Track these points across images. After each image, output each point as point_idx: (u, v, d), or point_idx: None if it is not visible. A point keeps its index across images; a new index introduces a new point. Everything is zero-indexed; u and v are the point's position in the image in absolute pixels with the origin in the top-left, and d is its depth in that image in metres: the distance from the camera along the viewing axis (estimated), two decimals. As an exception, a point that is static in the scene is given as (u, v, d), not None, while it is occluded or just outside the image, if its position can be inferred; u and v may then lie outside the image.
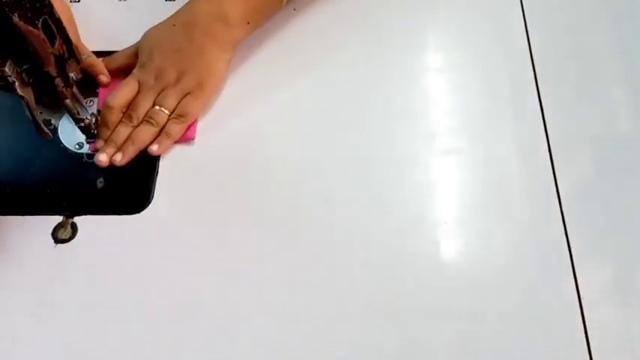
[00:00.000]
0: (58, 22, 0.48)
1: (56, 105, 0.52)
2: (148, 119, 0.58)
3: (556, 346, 0.48)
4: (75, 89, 0.52)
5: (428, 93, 0.61)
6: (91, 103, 0.61)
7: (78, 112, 0.54)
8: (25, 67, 0.46)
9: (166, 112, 0.58)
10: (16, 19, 0.43)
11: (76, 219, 0.55)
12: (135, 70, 0.60)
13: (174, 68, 0.58)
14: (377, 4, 0.66)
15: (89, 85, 0.62)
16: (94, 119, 0.58)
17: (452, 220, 0.54)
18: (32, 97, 0.48)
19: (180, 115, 0.58)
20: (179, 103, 0.58)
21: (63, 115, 0.60)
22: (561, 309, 0.49)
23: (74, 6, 0.68)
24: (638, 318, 0.49)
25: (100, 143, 0.58)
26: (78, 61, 0.52)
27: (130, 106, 0.58)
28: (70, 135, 0.59)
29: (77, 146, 0.59)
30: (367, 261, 0.52)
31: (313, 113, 0.60)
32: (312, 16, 0.66)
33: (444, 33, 0.65)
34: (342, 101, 0.61)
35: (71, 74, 0.51)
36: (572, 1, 0.66)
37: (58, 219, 0.55)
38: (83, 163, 0.58)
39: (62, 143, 0.59)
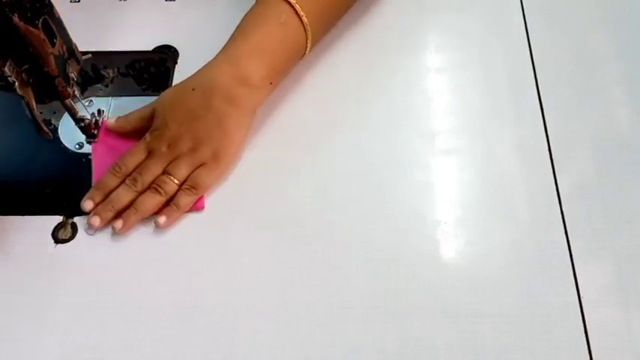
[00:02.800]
0: (58, 22, 0.48)
1: (56, 105, 0.52)
2: (155, 187, 0.54)
3: (556, 346, 0.48)
4: (75, 89, 0.52)
5: (428, 93, 0.61)
6: (91, 103, 0.61)
7: (78, 112, 0.54)
8: (25, 67, 0.46)
9: (176, 182, 0.54)
10: (16, 19, 0.43)
11: (76, 219, 0.55)
12: (147, 135, 0.56)
13: (190, 137, 0.54)
14: (377, 4, 0.66)
15: (89, 85, 0.62)
16: (94, 119, 0.58)
17: (452, 220, 0.54)
18: (32, 97, 0.48)
19: (192, 187, 0.54)
20: (192, 173, 0.54)
21: (63, 115, 0.60)
22: (561, 309, 0.49)
23: (74, 6, 0.68)
24: (638, 318, 0.49)
25: (88, 204, 0.54)
26: (78, 61, 0.52)
27: (137, 169, 0.55)
28: (70, 135, 0.59)
29: (77, 146, 0.59)
30: (367, 261, 0.52)
31: (313, 113, 0.60)
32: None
33: (444, 33, 0.65)
34: (342, 101, 0.61)
35: (71, 74, 0.51)
36: (572, 1, 0.66)
37: (58, 219, 0.55)
38: (83, 163, 0.58)
39: (62, 143, 0.59)
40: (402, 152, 0.57)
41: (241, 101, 0.55)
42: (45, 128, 0.50)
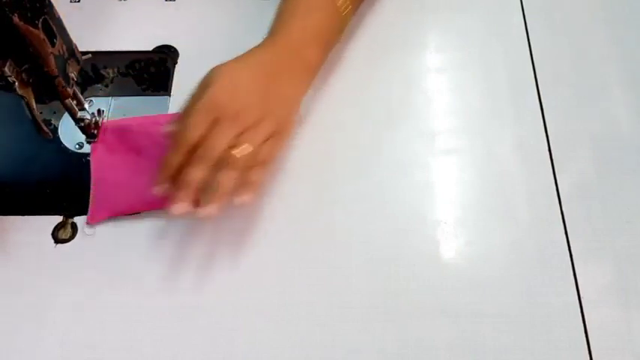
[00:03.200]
0: (58, 22, 0.48)
1: (56, 105, 0.52)
2: (230, 162, 0.49)
3: (556, 346, 0.48)
4: (75, 89, 0.52)
5: (428, 93, 0.61)
6: (91, 103, 0.61)
7: (78, 112, 0.54)
8: (25, 67, 0.46)
9: (250, 154, 0.50)
10: (16, 19, 0.43)
11: (76, 219, 0.55)
12: (206, 102, 0.50)
13: (259, 107, 0.52)
14: (377, 4, 0.66)
15: (89, 85, 0.62)
16: (93, 119, 0.58)
17: (452, 220, 0.54)
18: (32, 97, 0.48)
19: (263, 160, 0.52)
20: (260, 146, 0.52)
21: (63, 115, 0.60)
22: (561, 309, 0.49)
23: (74, 6, 0.68)
24: (638, 318, 0.49)
25: (161, 189, 0.50)
26: (78, 61, 0.52)
27: (204, 143, 0.50)
28: (70, 135, 0.59)
29: (77, 146, 0.59)
30: (367, 261, 0.52)
31: (313, 113, 0.60)
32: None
33: (444, 33, 0.65)
34: (341, 101, 0.61)
35: (71, 74, 0.51)
36: (572, 1, 0.66)
37: (58, 219, 0.55)
38: (83, 163, 0.58)
39: (62, 143, 0.59)
40: (402, 152, 0.57)
41: (298, 79, 0.57)
42: (45, 128, 0.50)
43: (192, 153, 0.50)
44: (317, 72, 0.59)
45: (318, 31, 0.58)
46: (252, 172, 0.51)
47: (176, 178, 0.50)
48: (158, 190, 0.50)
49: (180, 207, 0.49)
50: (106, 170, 0.56)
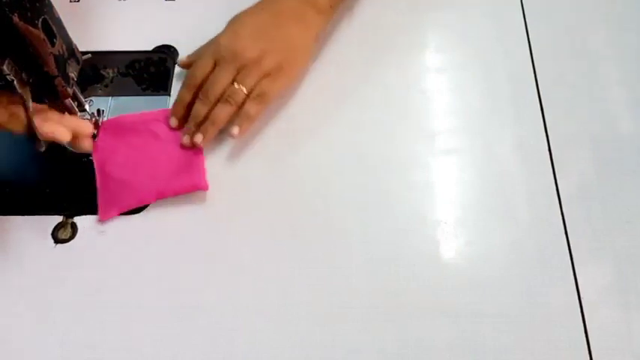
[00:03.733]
0: (58, 22, 0.48)
1: (56, 105, 0.52)
2: (227, 98, 0.56)
3: (556, 346, 0.48)
4: (75, 89, 0.52)
5: (428, 93, 0.61)
6: (91, 103, 0.61)
7: (78, 112, 0.54)
8: (25, 66, 0.46)
9: (245, 91, 0.56)
10: (16, 19, 0.43)
11: (76, 219, 0.55)
12: (211, 47, 0.58)
13: (257, 48, 0.57)
14: (377, 4, 0.66)
15: (89, 85, 0.62)
16: (93, 119, 0.58)
17: (452, 220, 0.54)
18: (29, 98, 0.48)
19: (259, 95, 0.56)
20: (257, 83, 0.57)
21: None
22: (561, 309, 0.49)
23: (74, 6, 0.68)
24: (638, 318, 0.49)
25: (173, 121, 0.58)
26: (78, 61, 0.52)
27: (208, 82, 0.57)
28: (70, 135, 0.59)
29: (77, 146, 0.59)
30: (367, 261, 0.52)
31: (313, 114, 0.60)
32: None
33: (444, 33, 0.65)
34: (342, 101, 0.61)
35: (71, 74, 0.51)
36: (572, 1, 0.66)
37: (58, 219, 0.55)
38: (83, 163, 0.58)
39: (62, 143, 0.59)
40: (402, 152, 0.57)
41: (308, 22, 0.59)
42: (40, 139, 0.49)
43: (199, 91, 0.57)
44: (329, 16, 0.61)
45: None
46: (248, 106, 0.56)
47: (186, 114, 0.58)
48: (173, 123, 0.58)
49: (187, 137, 0.56)
50: (110, 167, 0.56)
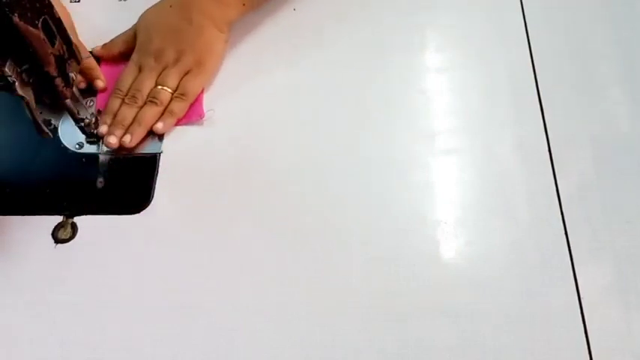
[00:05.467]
0: (58, 22, 0.48)
1: (56, 105, 0.52)
2: (151, 99, 0.58)
3: (556, 346, 0.48)
4: (75, 89, 0.52)
5: (428, 93, 0.61)
6: (91, 103, 0.61)
7: (78, 112, 0.54)
8: (25, 67, 0.46)
9: (169, 90, 0.59)
10: (16, 19, 0.43)
11: (76, 219, 0.55)
12: (134, 55, 0.61)
13: (174, 48, 0.60)
14: (377, 4, 0.66)
15: (89, 85, 0.62)
16: (93, 119, 0.58)
17: (452, 220, 0.54)
18: (32, 97, 0.48)
19: (182, 94, 0.59)
20: (180, 81, 0.59)
21: (63, 115, 0.60)
22: (561, 309, 0.49)
23: (74, 6, 0.68)
24: (638, 318, 0.49)
25: (103, 128, 0.58)
26: (78, 61, 0.52)
27: (133, 87, 0.59)
28: (70, 135, 0.59)
29: (77, 146, 0.59)
30: (367, 261, 0.52)
31: (313, 113, 0.60)
32: (312, 16, 0.66)
33: (444, 33, 0.65)
34: (342, 101, 0.61)
35: (71, 74, 0.51)
36: (572, 1, 0.66)
37: (58, 219, 0.55)
38: (83, 163, 0.58)
39: (62, 143, 0.59)
40: (402, 152, 0.57)
41: (215, 15, 0.60)
42: (45, 128, 0.50)
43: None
44: (239, 12, 0.62)
45: None
46: (173, 104, 0.59)
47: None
48: (102, 130, 0.58)
49: (112, 139, 0.57)
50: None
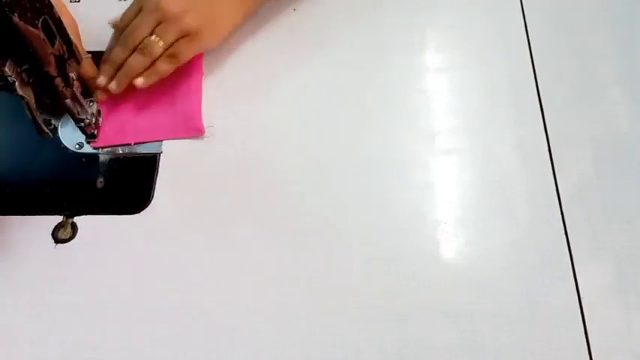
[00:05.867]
0: (58, 22, 0.48)
1: (56, 105, 0.52)
2: (142, 48, 0.56)
3: (556, 346, 0.48)
4: (75, 89, 0.52)
5: (428, 93, 0.61)
6: (91, 103, 0.61)
7: (78, 112, 0.54)
8: (25, 67, 0.46)
9: (161, 45, 0.56)
10: (16, 19, 0.43)
11: (76, 219, 0.55)
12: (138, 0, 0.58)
13: (181, 3, 0.56)
14: (377, 4, 0.66)
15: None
16: (93, 119, 0.58)
17: (452, 220, 0.54)
18: (32, 97, 0.48)
19: (172, 55, 0.57)
20: (175, 41, 0.57)
21: (63, 115, 0.60)
22: (561, 309, 0.49)
23: (74, 6, 0.68)
24: (638, 318, 0.49)
25: (102, 66, 0.59)
26: (78, 61, 0.52)
27: (128, 29, 0.57)
28: (70, 135, 0.59)
29: (77, 146, 0.59)
30: (367, 261, 0.52)
31: (313, 113, 0.60)
32: (312, 16, 0.66)
33: (444, 33, 0.65)
34: (342, 101, 0.61)
35: (71, 74, 0.51)
36: (572, 1, 0.66)
37: (58, 219, 0.55)
38: (83, 163, 0.58)
39: (62, 143, 0.59)
40: (402, 152, 0.57)
41: None
42: (45, 128, 0.50)
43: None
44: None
45: None
46: (160, 63, 0.57)
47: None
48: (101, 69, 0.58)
49: (102, 79, 0.58)
50: (111, 103, 0.60)
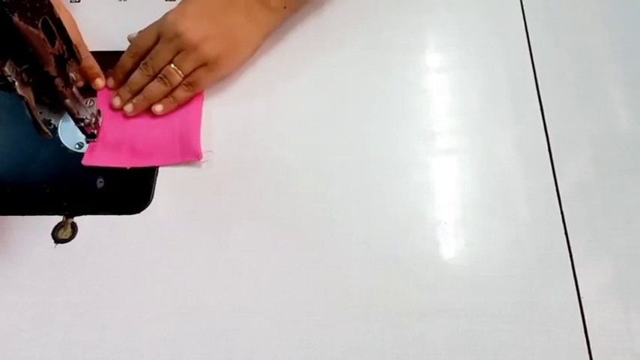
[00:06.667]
0: (58, 22, 0.48)
1: (56, 105, 0.52)
2: (162, 77, 0.58)
3: (556, 346, 0.48)
4: (75, 89, 0.52)
5: (428, 93, 0.61)
6: (91, 103, 0.61)
7: (78, 112, 0.54)
8: (25, 67, 0.46)
9: (180, 74, 0.58)
10: (16, 19, 0.43)
11: (76, 219, 0.55)
12: (161, 19, 0.59)
13: (201, 32, 0.57)
14: (377, 4, 0.66)
15: (89, 85, 0.62)
16: (93, 119, 0.58)
17: (452, 219, 0.54)
18: (32, 97, 0.48)
19: (190, 84, 0.58)
20: (193, 70, 0.58)
21: (63, 115, 0.60)
22: (561, 309, 0.49)
23: (74, 6, 0.68)
24: (638, 318, 0.49)
25: (112, 82, 0.60)
26: (78, 61, 0.52)
27: (150, 54, 0.58)
28: (70, 135, 0.59)
29: (77, 146, 0.59)
30: (367, 261, 0.52)
31: (313, 113, 0.60)
32: (312, 16, 0.66)
33: (444, 33, 0.65)
34: (342, 101, 0.61)
35: (71, 74, 0.51)
36: (572, 1, 0.66)
37: (58, 219, 0.55)
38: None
39: (62, 143, 0.59)
40: (402, 152, 0.57)
41: (257, 18, 0.59)
42: (45, 128, 0.50)
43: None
44: (278, 17, 0.61)
45: None
46: (179, 91, 0.59)
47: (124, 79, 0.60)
48: (110, 83, 0.60)
49: (117, 101, 0.59)
50: (109, 122, 0.59)
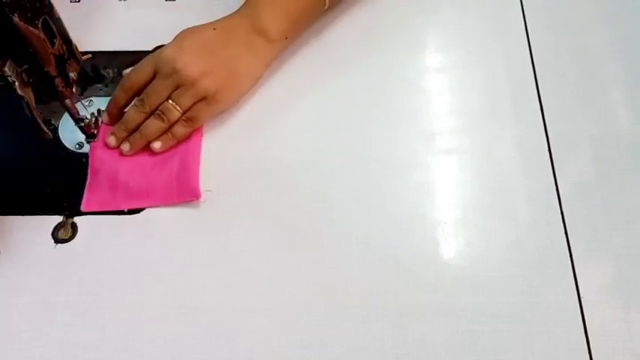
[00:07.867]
0: (58, 22, 0.48)
1: (56, 105, 0.52)
2: (160, 114, 0.56)
3: (556, 346, 0.48)
4: (75, 89, 0.52)
5: (428, 93, 0.61)
6: (91, 103, 0.61)
7: (78, 112, 0.54)
8: (25, 67, 0.46)
9: (179, 110, 0.56)
10: (16, 19, 0.43)
11: (76, 219, 0.55)
12: (157, 54, 0.57)
13: (200, 67, 0.55)
14: (377, 4, 0.66)
15: (89, 85, 0.62)
16: (93, 119, 0.58)
17: (452, 219, 0.54)
18: (32, 97, 0.48)
19: (189, 119, 0.56)
20: (192, 105, 0.56)
21: (63, 115, 0.60)
22: (561, 309, 0.49)
23: (74, 6, 0.68)
24: (638, 318, 0.49)
25: (105, 117, 0.58)
26: (78, 61, 0.52)
27: (146, 91, 0.56)
28: (70, 135, 0.59)
29: (77, 146, 0.59)
30: (367, 261, 0.52)
31: (313, 114, 0.60)
32: (312, 16, 0.66)
33: (444, 33, 0.65)
34: (342, 101, 0.61)
35: (71, 74, 0.51)
36: (572, 1, 0.66)
37: (58, 219, 0.55)
38: (83, 163, 0.58)
39: (62, 143, 0.59)
40: (402, 152, 0.57)
41: (257, 50, 0.58)
42: (45, 128, 0.50)
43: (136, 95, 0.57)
44: (279, 48, 0.60)
45: (287, 8, 0.58)
46: (177, 127, 0.57)
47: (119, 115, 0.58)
48: (105, 119, 0.59)
49: (113, 140, 0.57)
50: (105, 164, 0.57)
